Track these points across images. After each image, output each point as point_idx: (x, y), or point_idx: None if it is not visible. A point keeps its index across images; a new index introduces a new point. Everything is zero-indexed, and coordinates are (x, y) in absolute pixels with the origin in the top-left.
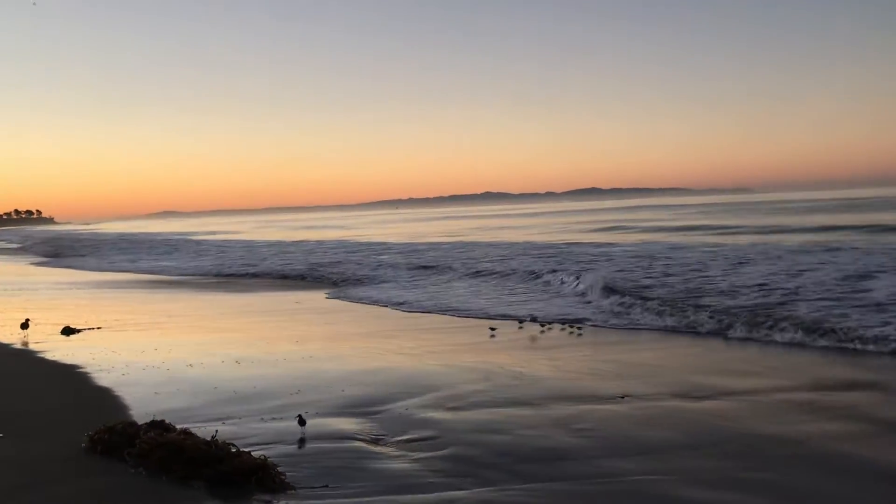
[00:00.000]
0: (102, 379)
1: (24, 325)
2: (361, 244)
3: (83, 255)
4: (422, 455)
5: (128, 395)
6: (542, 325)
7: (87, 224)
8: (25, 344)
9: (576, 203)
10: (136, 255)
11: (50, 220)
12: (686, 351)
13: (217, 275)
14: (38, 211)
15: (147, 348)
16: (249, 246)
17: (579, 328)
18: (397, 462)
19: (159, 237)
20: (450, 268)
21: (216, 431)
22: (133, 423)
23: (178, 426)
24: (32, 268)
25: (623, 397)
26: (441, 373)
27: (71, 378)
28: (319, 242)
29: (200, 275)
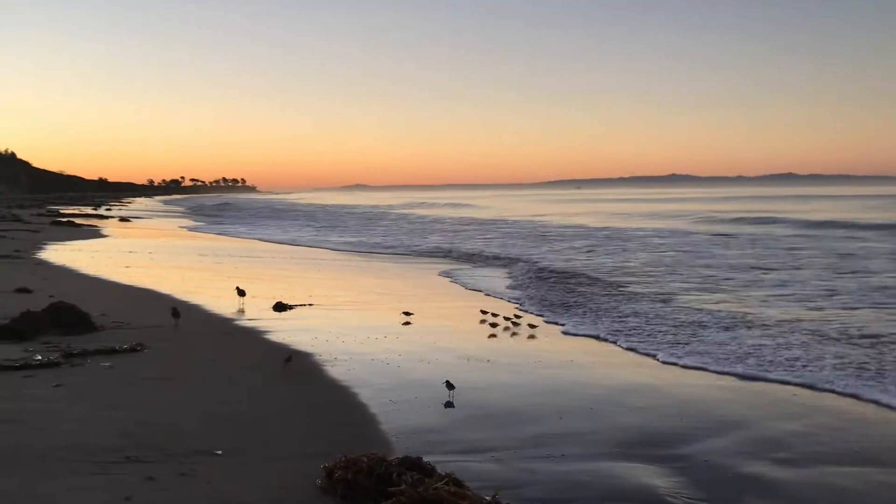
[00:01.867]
0: (331, 371)
1: (241, 293)
2: (556, 226)
3: (270, 225)
4: None
5: (364, 401)
6: None
7: (276, 193)
8: (241, 311)
9: (770, 189)
10: (326, 226)
11: (253, 189)
12: None
13: (411, 252)
14: (242, 180)
15: (369, 334)
16: (438, 222)
17: None
18: None
19: (353, 210)
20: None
21: (498, 490)
22: (381, 459)
23: (430, 458)
24: (223, 237)
25: None
26: (722, 398)
27: (299, 369)
28: (509, 222)
29: (398, 254)
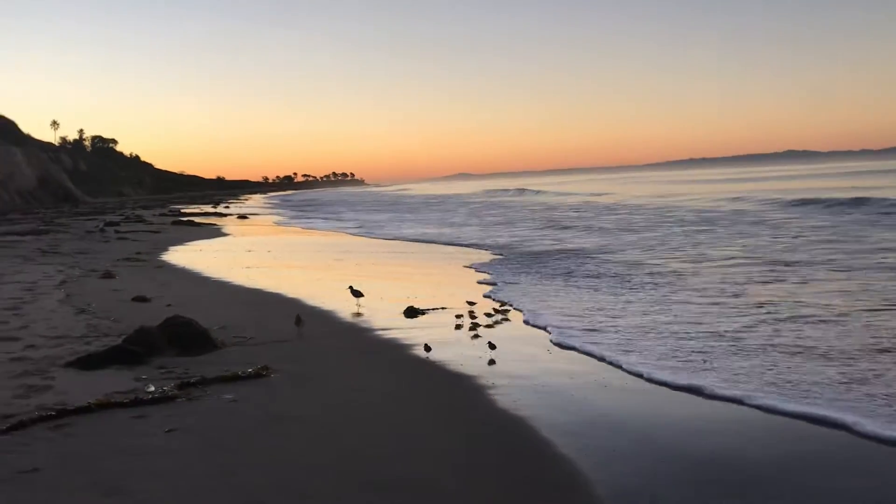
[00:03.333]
0: (499, 400)
1: (357, 294)
2: (673, 208)
3: (377, 220)
4: None
5: (561, 449)
6: None
7: (382, 186)
8: (359, 314)
9: None
10: (427, 219)
11: (361, 182)
12: None
13: (525, 248)
14: (351, 174)
15: (520, 348)
16: (553, 208)
17: None
18: None
19: (465, 200)
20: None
21: None
22: None
23: None
24: (338, 233)
25: None
26: None
27: (462, 396)
28: (629, 206)
29: (510, 246)
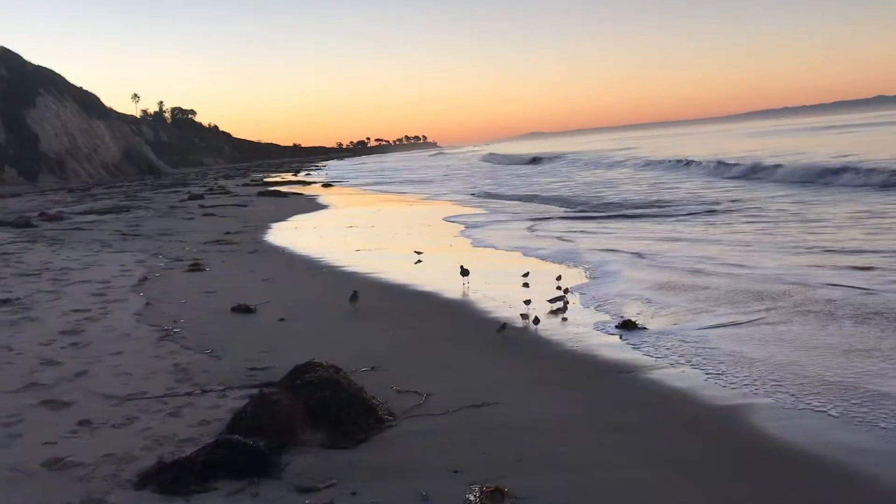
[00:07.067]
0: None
1: (465, 272)
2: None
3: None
4: None
5: None
6: None
7: (455, 147)
8: (465, 294)
9: None
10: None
11: (433, 145)
12: None
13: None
14: (423, 136)
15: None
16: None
17: None
18: None
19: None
20: None
21: None
22: None
23: None
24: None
25: None
26: None
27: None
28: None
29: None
